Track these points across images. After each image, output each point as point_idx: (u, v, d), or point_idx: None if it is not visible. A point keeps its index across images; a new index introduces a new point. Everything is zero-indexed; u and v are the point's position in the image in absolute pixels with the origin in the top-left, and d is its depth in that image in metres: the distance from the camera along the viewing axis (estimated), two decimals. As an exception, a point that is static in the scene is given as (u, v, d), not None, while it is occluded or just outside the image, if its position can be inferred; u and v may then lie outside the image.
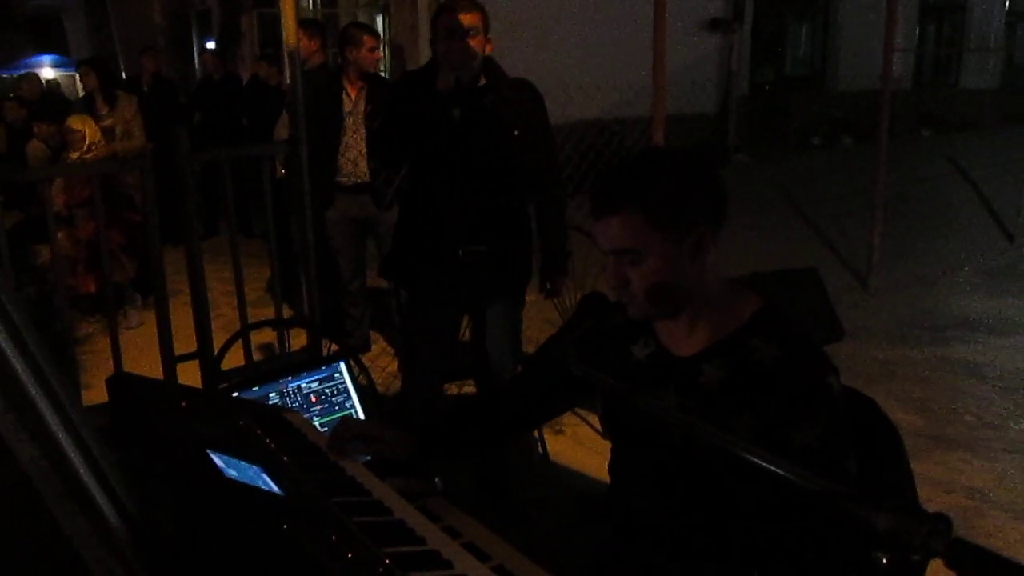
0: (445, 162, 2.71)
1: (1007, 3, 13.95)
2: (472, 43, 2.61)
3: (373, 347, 4.80)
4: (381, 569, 1.03)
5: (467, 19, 2.60)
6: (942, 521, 0.78)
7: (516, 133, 2.75)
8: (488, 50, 2.72)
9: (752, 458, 0.98)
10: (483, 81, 2.72)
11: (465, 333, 3.17)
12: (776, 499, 1.24)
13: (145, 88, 7.58)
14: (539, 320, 4.69)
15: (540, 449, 3.48)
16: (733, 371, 1.39)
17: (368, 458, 1.58)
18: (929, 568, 0.85)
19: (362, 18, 9.18)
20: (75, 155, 5.33)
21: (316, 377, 2.06)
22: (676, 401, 1.43)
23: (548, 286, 3.08)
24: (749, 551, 1.40)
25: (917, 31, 12.90)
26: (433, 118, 2.66)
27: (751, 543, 1.40)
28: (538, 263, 3.05)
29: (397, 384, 4.18)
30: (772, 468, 0.94)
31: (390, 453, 1.58)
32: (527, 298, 3.09)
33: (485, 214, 2.76)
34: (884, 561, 0.77)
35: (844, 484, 0.91)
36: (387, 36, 8.64)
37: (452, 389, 3.82)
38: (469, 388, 3.85)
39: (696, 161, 1.44)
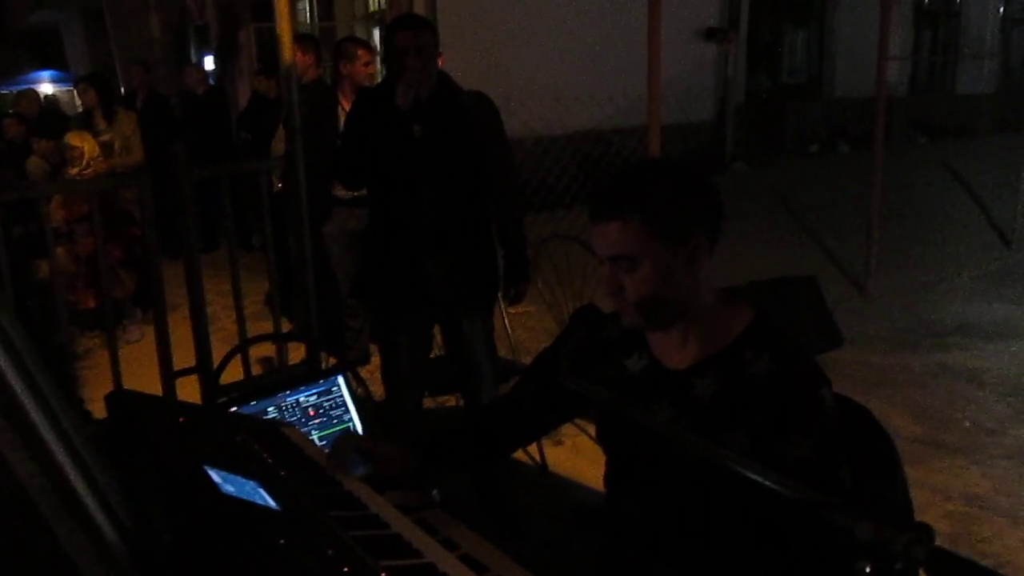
0: (409, 178, 2.74)
1: (1002, 9, 14.03)
2: (427, 60, 2.65)
3: (372, 360, 4.80)
4: (377, 582, 1.04)
5: (418, 36, 2.64)
6: (924, 530, 0.79)
7: (477, 142, 2.80)
8: (440, 63, 2.77)
9: (740, 469, 0.99)
10: (439, 95, 2.76)
11: (435, 348, 3.19)
12: (766, 510, 1.25)
13: (139, 104, 7.60)
14: (538, 330, 4.70)
15: (539, 460, 3.49)
16: (726, 384, 1.40)
17: (361, 470, 1.59)
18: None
19: (359, 31, 9.22)
20: (74, 171, 5.35)
21: (314, 391, 2.06)
22: (669, 415, 1.44)
23: (512, 292, 3.11)
24: (741, 561, 1.41)
25: (913, 38, 12.95)
26: (394, 136, 2.70)
27: (743, 553, 1.40)
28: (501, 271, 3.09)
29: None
30: (759, 479, 0.95)
31: (389, 469, 1.58)
32: (526, 309, 3.10)
33: (452, 227, 2.80)
34: (867, 570, 0.78)
35: (836, 494, 0.92)
36: (382, 50, 8.67)
37: (429, 403, 3.82)
38: (451, 401, 3.85)
39: (695, 172, 1.46)
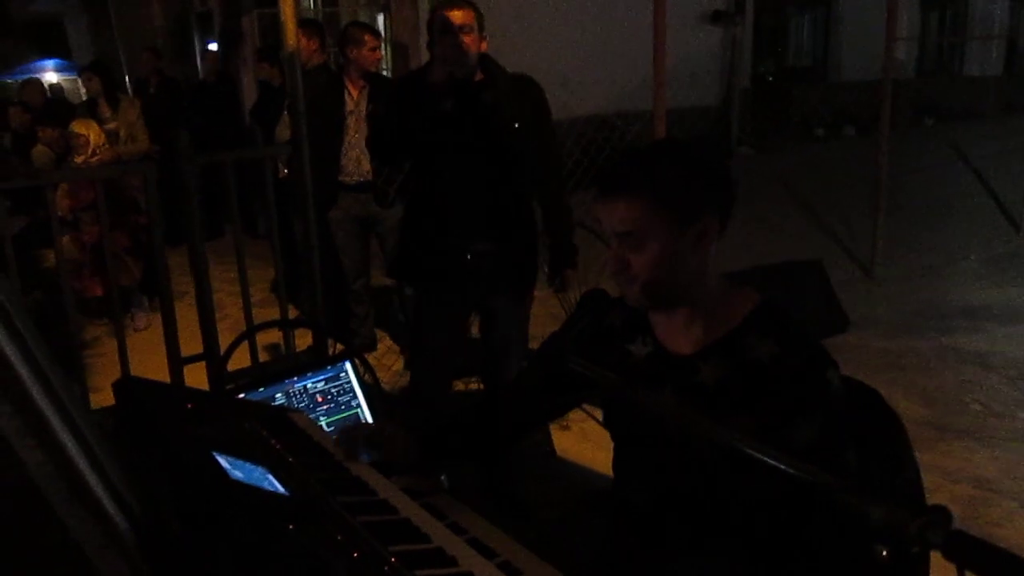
0: (440, 154, 2.72)
1: (1010, -10, 13.90)
2: (466, 39, 2.62)
3: (379, 346, 4.81)
4: (387, 568, 1.04)
5: (460, 16, 2.62)
6: (939, 513, 0.78)
7: (516, 126, 2.76)
8: (483, 47, 2.72)
9: (749, 451, 0.98)
10: (480, 77, 2.73)
11: (472, 330, 3.17)
12: (775, 493, 1.25)
13: (151, 90, 7.60)
14: (544, 316, 4.69)
15: (547, 445, 3.49)
16: (731, 369, 1.40)
17: (367, 458, 1.59)
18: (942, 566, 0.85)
19: (363, 17, 9.18)
20: (79, 159, 5.35)
21: (322, 377, 2.07)
22: (674, 400, 1.44)
23: (557, 280, 3.08)
24: (751, 545, 1.41)
25: (920, 20, 12.85)
26: (426, 111, 2.68)
27: (753, 537, 1.40)
28: (545, 257, 3.06)
29: (403, 382, 4.19)
30: (769, 461, 0.95)
31: (399, 456, 1.58)
32: (533, 293, 3.09)
33: (490, 210, 2.76)
34: (884, 554, 0.77)
35: (843, 477, 0.92)
36: (388, 35, 8.64)
37: (459, 386, 3.83)
38: (474, 385, 3.86)
39: (707, 153, 1.45)
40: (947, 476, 3.23)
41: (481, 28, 2.70)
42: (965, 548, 0.73)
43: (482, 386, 3.53)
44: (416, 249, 2.91)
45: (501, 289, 2.89)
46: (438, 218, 2.80)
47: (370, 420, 2.06)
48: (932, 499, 1.32)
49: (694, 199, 1.39)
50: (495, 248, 2.79)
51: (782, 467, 0.94)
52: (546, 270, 3.09)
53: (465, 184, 2.73)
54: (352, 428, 1.61)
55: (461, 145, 2.70)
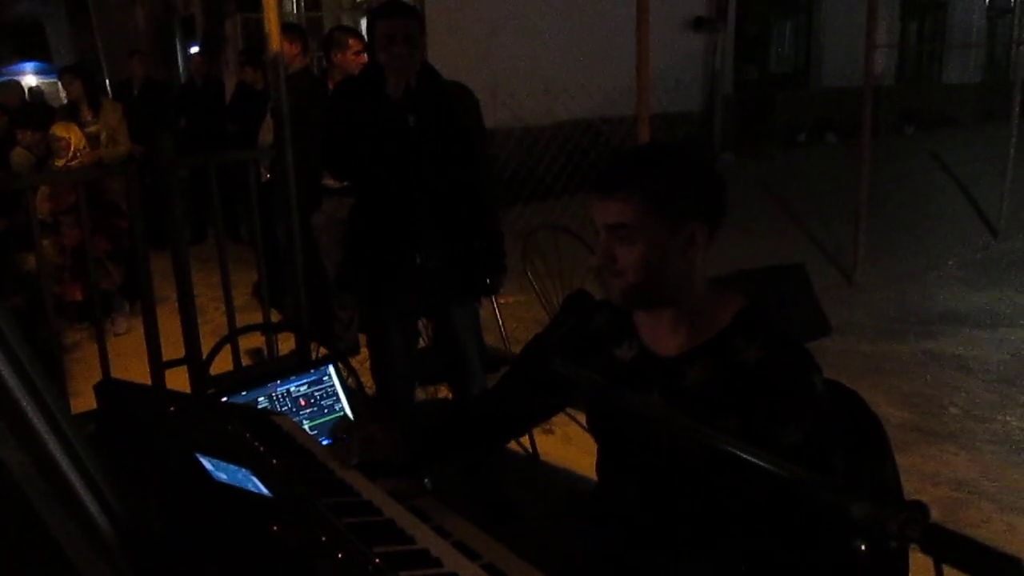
0: (403, 169, 2.73)
1: (987, -1, 14.08)
2: (412, 47, 2.63)
3: (362, 349, 4.79)
4: (371, 568, 1.04)
5: (405, 25, 2.63)
6: (918, 509, 0.79)
7: (464, 132, 2.81)
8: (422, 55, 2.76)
9: (734, 451, 0.99)
10: (425, 85, 2.75)
11: (422, 339, 3.19)
12: (760, 493, 1.26)
13: (135, 92, 7.56)
14: (527, 320, 4.70)
15: (530, 448, 3.49)
16: (717, 372, 1.41)
17: (357, 460, 1.59)
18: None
19: (347, 21, 9.18)
20: (60, 162, 5.31)
21: (305, 381, 2.06)
22: (660, 402, 1.44)
23: (489, 283, 3.10)
24: (735, 545, 1.41)
25: (900, 28, 12.99)
26: (388, 126, 2.68)
27: (737, 537, 1.41)
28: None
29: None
30: (753, 460, 0.96)
31: (381, 451, 1.58)
32: (515, 298, 3.10)
33: (443, 218, 2.79)
34: (863, 548, 0.78)
35: (827, 476, 0.93)
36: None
37: (420, 394, 3.82)
38: (441, 392, 3.85)
39: (702, 160, 1.48)
40: (927, 479, 3.26)
41: (423, 33, 2.74)
42: (941, 542, 0.75)
43: (449, 393, 3.53)
44: (364, 258, 2.90)
45: (451, 293, 2.91)
46: (389, 228, 2.80)
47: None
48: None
49: (687, 203, 1.41)
50: (443, 253, 2.81)
51: (764, 465, 0.95)
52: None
53: (418, 192, 2.75)
54: (345, 426, 1.60)
55: (421, 157, 2.71)
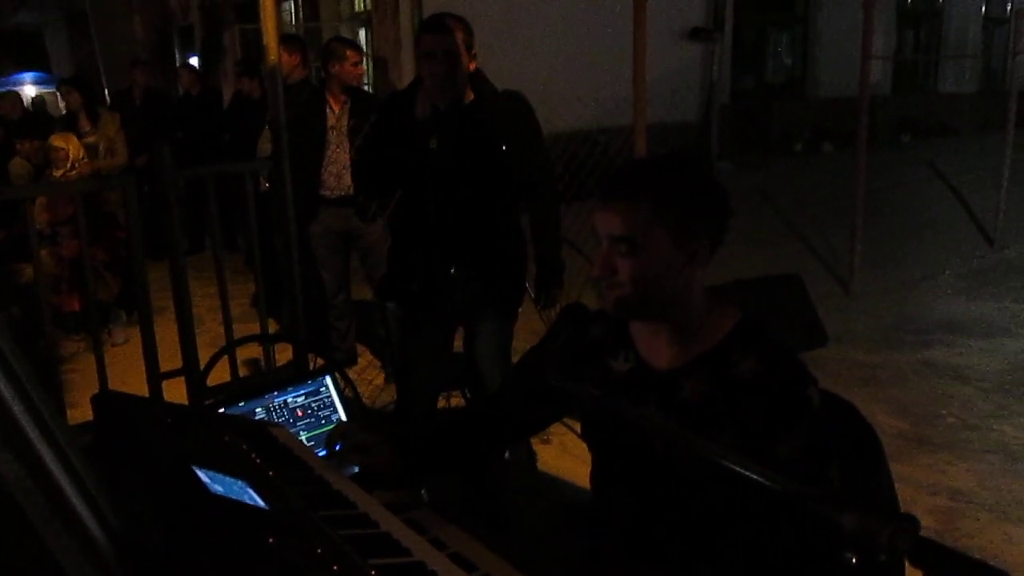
0: (424, 189, 2.72)
1: (983, 8, 14.13)
2: (445, 64, 2.58)
3: (359, 360, 4.79)
4: (366, 580, 1.04)
5: (440, 41, 2.58)
6: (908, 521, 0.80)
7: (504, 148, 2.74)
8: (471, 67, 2.70)
9: (727, 463, 1.00)
10: (471, 97, 2.72)
11: (456, 344, 3.17)
12: (753, 504, 1.26)
13: (137, 102, 7.58)
14: (525, 331, 4.70)
15: (527, 458, 3.49)
16: (713, 386, 1.41)
17: (355, 470, 1.59)
18: None
19: (345, 32, 9.20)
20: (58, 173, 5.32)
21: (302, 391, 2.06)
22: (655, 414, 1.44)
23: (544, 297, 3.09)
24: (729, 557, 1.42)
25: (895, 38, 13.02)
26: (410, 147, 2.67)
27: (731, 549, 1.41)
28: (533, 274, 3.06)
29: (384, 397, 4.18)
30: (745, 473, 0.96)
31: (377, 461, 1.58)
32: (517, 313, 3.10)
33: (473, 235, 2.76)
34: (853, 561, 0.78)
35: (821, 488, 0.93)
36: (370, 50, 8.67)
37: (441, 402, 3.82)
38: (457, 400, 3.85)
39: (714, 179, 1.46)
40: (924, 488, 3.26)
41: (469, 47, 2.67)
42: (931, 554, 0.75)
43: (465, 402, 3.53)
44: (403, 272, 2.91)
45: (485, 309, 2.90)
46: (423, 242, 2.80)
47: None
48: (908, 511, 1.34)
49: (693, 216, 1.40)
50: (480, 269, 2.79)
51: (755, 477, 0.95)
52: (531, 287, 3.10)
53: (449, 210, 2.73)
54: (343, 428, 1.60)
55: (445, 175, 2.69)
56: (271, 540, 1.04)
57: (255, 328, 3.83)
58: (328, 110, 4.33)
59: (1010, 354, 4.67)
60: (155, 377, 3.24)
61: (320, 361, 3.50)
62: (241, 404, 1.98)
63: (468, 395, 3.24)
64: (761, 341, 1.42)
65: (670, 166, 1.46)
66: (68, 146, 5.35)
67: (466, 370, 3.05)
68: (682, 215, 1.38)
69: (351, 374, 3.21)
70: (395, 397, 3.11)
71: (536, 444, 3.57)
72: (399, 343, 3.12)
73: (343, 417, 2.07)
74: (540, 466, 3.49)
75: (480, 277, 2.79)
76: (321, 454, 1.64)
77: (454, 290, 2.79)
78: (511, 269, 2.92)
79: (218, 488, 1.15)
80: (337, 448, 1.56)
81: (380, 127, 2.84)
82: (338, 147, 4.30)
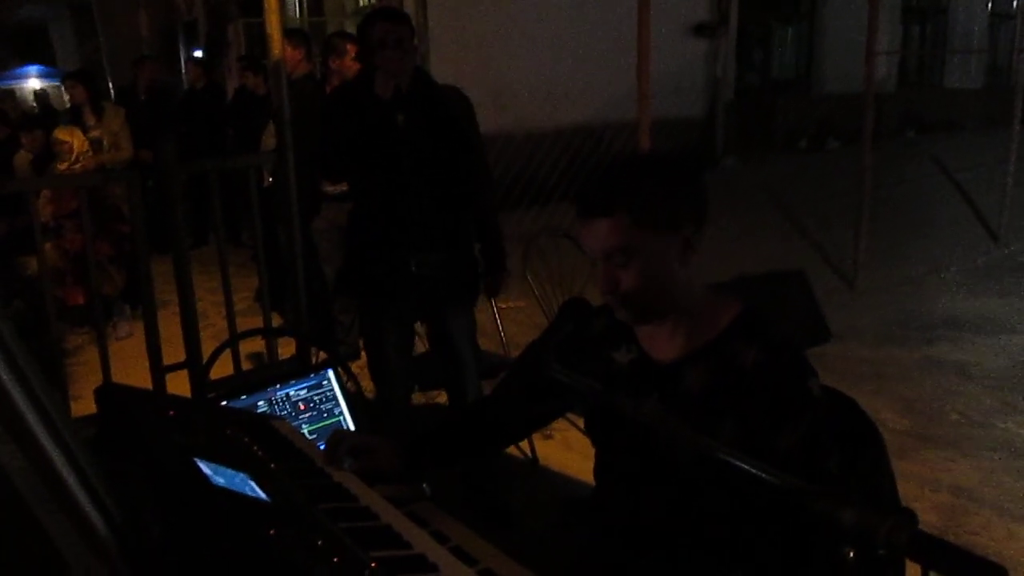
0: (392, 169, 2.74)
1: (989, 4, 14.08)
2: (404, 52, 2.66)
3: (362, 354, 4.80)
4: (367, 573, 1.04)
5: (396, 29, 2.66)
6: (906, 516, 0.80)
7: (457, 135, 2.81)
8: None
9: (725, 458, 1.00)
10: (417, 87, 2.77)
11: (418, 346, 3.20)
12: (754, 500, 1.26)
13: (142, 97, 7.58)
14: (527, 325, 4.70)
15: (529, 454, 3.49)
16: (715, 376, 1.41)
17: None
18: None
19: (349, 27, 9.19)
20: (63, 166, 5.33)
21: (304, 385, 2.07)
22: (658, 407, 1.45)
23: (490, 283, 3.11)
24: (731, 552, 1.42)
25: (901, 33, 12.99)
26: (376, 125, 2.70)
27: (733, 544, 1.41)
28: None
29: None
30: (744, 467, 0.96)
31: (382, 466, 1.58)
32: (516, 304, 3.11)
33: (435, 221, 2.80)
34: (851, 555, 0.78)
35: (822, 484, 0.93)
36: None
37: (419, 398, 3.82)
38: (438, 398, 3.85)
39: (679, 164, 1.46)
40: (927, 485, 3.26)
41: (413, 38, 2.77)
42: (928, 549, 0.75)
43: (447, 399, 3.53)
44: (361, 262, 2.92)
45: (447, 298, 2.92)
46: (382, 230, 2.82)
47: (352, 428, 2.06)
48: (911, 507, 1.34)
49: (675, 211, 1.40)
50: (439, 258, 2.82)
51: (755, 472, 0.95)
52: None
53: (409, 195, 2.76)
54: (338, 436, 1.60)
55: (411, 155, 2.73)
56: (272, 532, 1.04)
57: (259, 322, 3.84)
58: (331, 105, 4.33)
59: (1015, 351, 4.66)
60: (159, 370, 3.25)
61: (323, 355, 3.51)
62: (244, 397, 1.99)
63: (447, 392, 3.24)
64: (763, 332, 1.42)
65: (638, 168, 1.47)
66: (72, 139, 5.36)
67: (439, 366, 3.07)
68: (661, 211, 1.39)
69: (354, 368, 3.21)
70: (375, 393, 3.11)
71: (538, 440, 3.57)
72: (366, 341, 3.13)
73: (345, 411, 2.07)
74: (542, 461, 3.49)
75: (441, 266, 2.82)
76: (323, 447, 1.64)
77: (416, 283, 2.82)
78: (470, 258, 2.97)
79: (220, 480, 1.16)
80: (335, 453, 1.55)
81: (336, 115, 2.82)
82: (341, 142, 4.29)
